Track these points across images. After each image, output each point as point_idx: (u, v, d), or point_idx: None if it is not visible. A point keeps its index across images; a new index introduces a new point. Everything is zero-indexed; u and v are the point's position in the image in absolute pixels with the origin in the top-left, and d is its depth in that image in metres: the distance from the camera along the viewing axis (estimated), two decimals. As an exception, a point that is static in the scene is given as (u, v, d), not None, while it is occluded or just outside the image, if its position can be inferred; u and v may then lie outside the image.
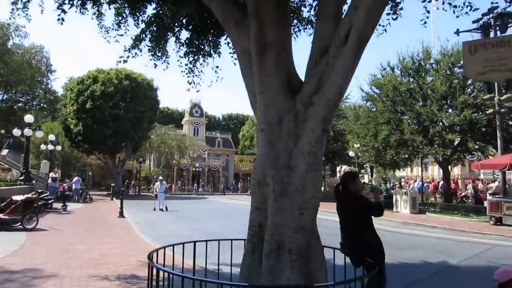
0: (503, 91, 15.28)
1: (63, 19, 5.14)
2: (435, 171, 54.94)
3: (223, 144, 56.17)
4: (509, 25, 14.84)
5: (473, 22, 16.31)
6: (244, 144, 63.50)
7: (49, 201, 15.00)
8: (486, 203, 14.02)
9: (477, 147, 17.66)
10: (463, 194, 22.64)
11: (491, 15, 15.43)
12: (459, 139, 16.32)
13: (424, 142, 17.17)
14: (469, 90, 17.06)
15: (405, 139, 17.79)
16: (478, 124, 16.25)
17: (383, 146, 19.14)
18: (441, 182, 26.98)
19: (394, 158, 19.59)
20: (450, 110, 17.38)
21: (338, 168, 73.02)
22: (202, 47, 5.93)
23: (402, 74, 19.51)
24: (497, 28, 15.17)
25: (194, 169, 48.06)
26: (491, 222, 13.50)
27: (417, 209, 18.21)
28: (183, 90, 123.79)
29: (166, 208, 17.63)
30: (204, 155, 50.44)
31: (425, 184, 28.08)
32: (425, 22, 5.27)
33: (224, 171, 53.84)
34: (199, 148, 48.47)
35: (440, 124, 16.76)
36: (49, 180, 21.34)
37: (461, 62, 17.87)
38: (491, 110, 15.17)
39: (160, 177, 20.51)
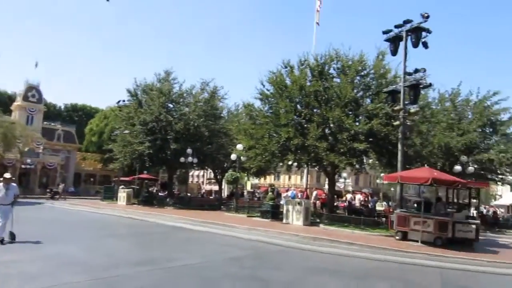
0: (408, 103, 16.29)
1: None
2: (298, 180, 59.73)
3: (64, 138, 49.46)
4: (422, 39, 15.86)
5: (383, 32, 17.13)
6: (91, 140, 56.70)
7: None
8: (393, 217, 14.22)
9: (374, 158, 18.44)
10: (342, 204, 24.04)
11: (404, 27, 16.33)
12: (362, 148, 16.56)
13: (328, 149, 16.96)
14: (376, 99, 17.58)
15: (308, 145, 17.33)
16: (381, 134, 16.80)
17: (281, 150, 18.39)
18: (315, 192, 28.38)
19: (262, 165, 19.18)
20: (358, 118, 17.63)
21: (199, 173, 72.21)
22: None
23: (311, 74, 19.21)
24: (409, 41, 16.19)
25: (23, 166, 39.79)
26: (397, 237, 13.83)
27: (309, 220, 17.99)
28: (15, 67, 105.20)
29: (13, 237, 9.48)
30: (38, 149, 42.49)
31: (299, 194, 29.11)
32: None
33: (63, 170, 46.73)
34: (33, 141, 40.46)
35: (347, 132, 16.79)
36: None
37: (367, 70, 18.83)
38: (398, 122, 15.86)
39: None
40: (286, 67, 20.25)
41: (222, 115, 31.97)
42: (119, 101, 31.67)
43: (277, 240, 13.08)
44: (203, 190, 58.54)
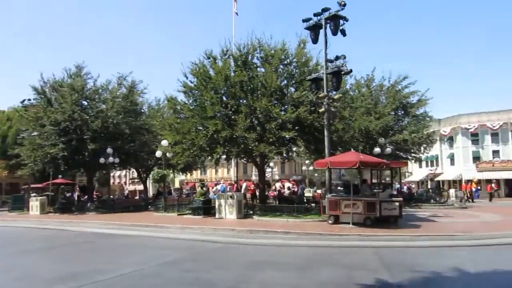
0: (332, 90, 16.82)
1: None
2: (225, 173, 59.72)
3: None
4: (340, 27, 16.37)
5: (303, 21, 17.40)
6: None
7: None
8: (325, 202, 14.60)
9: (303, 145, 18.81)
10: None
11: (322, 15, 16.72)
12: (290, 136, 16.78)
13: (257, 139, 16.91)
14: (301, 87, 17.86)
15: (236, 136, 17.11)
16: (307, 121, 17.15)
17: (209, 143, 17.95)
18: (244, 184, 28.49)
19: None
20: (284, 107, 17.76)
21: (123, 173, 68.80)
22: None
23: (234, 65, 18.91)
24: (328, 29, 16.63)
25: None
26: (330, 222, 14.26)
27: (243, 213, 17.89)
28: None
29: None
30: None
31: (228, 187, 29.04)
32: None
33: None
34: None
35: (275, 121, 16.85)
36: None
37: (289, 59, 19.02)
38: (323, 109, 16.28)
39: None
40: (209, 58, 19.73)
41: (142, 110, 30.51)
42: (23, 100, 28.50)
43: (213, 237, 12.73)
44: (127, 191, 55.81)
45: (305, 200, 22.53)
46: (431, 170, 51.69)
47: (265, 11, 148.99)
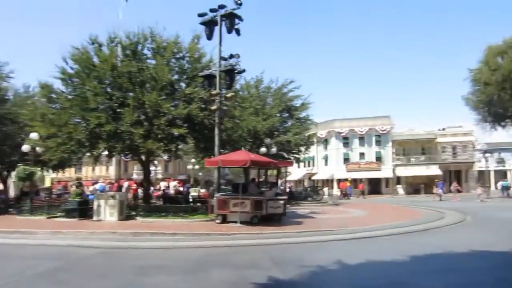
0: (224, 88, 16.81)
1: None
2: (103, 171, 55.65)
3: None
4: (235, 26, 16.43)
5: (199, 15, 17.10)
6: None
7: None
8: (213, 201, 14.51)
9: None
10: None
11: (218, 12, 16.60)
12: (181, 133, 16.30)
13: (144, 135, 16.02)
14: (193, 83, 17.44)
15: (122, 131, 15.96)
16: (198, 119, 16.87)
17: (90, 138, 16.40)
18: (126, 183, 27.07)
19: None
20: (174, 102, 17.12)
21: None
22: None
23: (122, 54, 17.58)
24: (224, 27, 16.57)
25: None
26: (218, 221, 14.24)
27: (125, 215, 16.80)
28: None
29: None
30: None
31: (107, 186, 27.25)
32: None
33: None
34: None
35: (165, 117, 16.15)
36: None
37: (182, 53, 18.41)
38: (215, 107, 16.16)
39: None
40: (93, 44, 18.06)
41: (7, 97, 26.54)
42: None
43: (92, 241, 11.53)
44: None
45: (191, 200, 22.20)
46: (307, 170, 55.88)
47: (158, 2, 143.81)
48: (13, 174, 33.43)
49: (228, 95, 16.52)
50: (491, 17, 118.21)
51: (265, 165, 15.03)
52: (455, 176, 48.61)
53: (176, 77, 18.61)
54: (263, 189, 15.92)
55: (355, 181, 48.58)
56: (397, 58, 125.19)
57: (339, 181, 48.90)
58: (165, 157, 22.81)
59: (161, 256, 9.39)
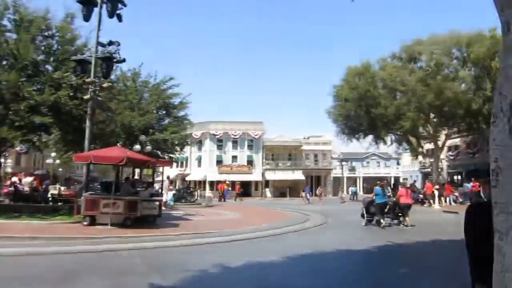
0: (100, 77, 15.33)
1: None
2: None
3: None
4: (117, 11, 15.17)
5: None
6: None
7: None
8: (80, 201, 13.12)
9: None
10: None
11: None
12: (46, 122, 14.34)
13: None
14: (63, 67, 15.49)
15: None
16: (66, 108, 15.11)
17: None
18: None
19: None
20: (37, 86, 14.96)
21: None
22: None
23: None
24: (104, 10, 15.17)
25: None
26: (85, 223, 12.94)
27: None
28: None
29: None
30: None
31: None
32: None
33: None
34: None
35: (26, 102, 13.96)
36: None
37: (52, 31, 16.20)
38: (88, 96, 14.64)
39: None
40: None
41: None
42: None
43: None
44: None
45: (50, 199, 19.69)
46: (180, 171, 55.19)
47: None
48: None
49: (104, 85, 15.19)
50: (360, 33, 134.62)
51: (143, 163, 14.21)
52: (316, 181, 53.70)
53: (42, 57, 16.43)
54: (138, 189, 15.01)
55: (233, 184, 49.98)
56: (272, 68, 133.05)
57: (216, 183, 49.25)
58: (20, 148, 19.83)
59: (17, 265, 8.00)
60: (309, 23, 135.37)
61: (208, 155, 53.73)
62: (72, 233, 11.31)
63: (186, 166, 55.58)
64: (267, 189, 53.12)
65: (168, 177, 29.23)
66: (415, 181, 44.30)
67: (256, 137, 54.40)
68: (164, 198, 21.88)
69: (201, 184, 50.96)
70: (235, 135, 54.15)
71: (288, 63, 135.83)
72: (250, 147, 54.79)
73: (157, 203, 14.77)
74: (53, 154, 35.80)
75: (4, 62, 14.75)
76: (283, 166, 54.76)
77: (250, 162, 53.95)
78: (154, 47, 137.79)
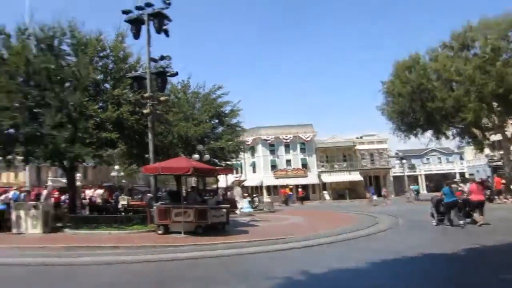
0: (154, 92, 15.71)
1: None
2: (11, 178, 49.51)
3: None
4: (164, 26, 15.54)
5: (123, 12, 16.11)
6: None
7: None
8: (154, 211, 13.40)
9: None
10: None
11: (145, 10, 15.70)
12: (112, 138, 14.88)
13: (70, 139, 14.33)
14: (121, 85, 16.03)
15: (42, 134, 14.10)
16: (128, 123, 15.59)
17: (6, 141, 14.32)
18: (45, 191, 24.29)
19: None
20: (99, 104, 15.59)
21: None
22: None
23: (36, 48, 15.64)
24: (152, 26, 15.64)
25: None
26: (160, 232, 13.21)
27: (50, 227, 14.92)
28: None
29: None
30: None
31: (21, 195, 24.40)
32: None
33: None
34: None
35: (93, 119, 14.61)
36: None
37: (107, 51, 16.80)
38: (147, 110, 15.03)
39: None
40: (1, 34, 15.83)
41: None
42: None
43: (17, 258, 9.80)
44: None
45: (122, 209, 20.52)
46: (236, 177, 55.70)
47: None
48: None
49: (162, 98, 15.55)
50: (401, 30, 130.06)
51: (207, 172, 14.30)
52: (374, 181, 51.96)
53: (100, 76, 17.10)
54: (206, 197, 15.12)
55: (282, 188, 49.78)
56: (317, 68, 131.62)
57: (273, 187, 49.20)
58: (91, 163, 20.78)
59: (106, 273, 8.14)
60: (355, 21, 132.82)
61: (262, 160, 53.78)
62: (149, 241, 11.57)
63: (241, 172, 55.98)
64: (324, 192, 52.13)
65: (239, 184, 29.55)
66: (488, 176, 41.28)
67: (307, 139, 53.74)
68: (239, 205, 22.15)
69: (257, 189, 51.05)
70: (286, 139, 53.85)
71: (328, 62, 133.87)
72: (302, 150, 54.22)
73: (224, 210, 14.78)
74: (116, 167, 37.44)
75: (68, 84, 15.48)
76: (339, 168, 53.56)
77: (304, 165, 53.35)
78: (197, 55, 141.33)
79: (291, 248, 10.91)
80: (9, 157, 15.67)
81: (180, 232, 12.76)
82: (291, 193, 42.59)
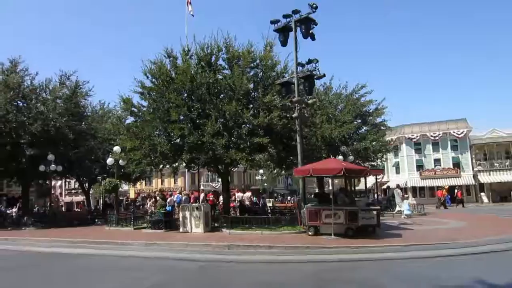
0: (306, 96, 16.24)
1: None
2: (171, 184, 57.20)
3: None
4: (311, 30, 15.90)
5: (272, 22, 16.85)
6: None
7: None
8: (303, 212, 13.85)
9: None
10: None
11: (292, 18, 16.21)
12: (264, 142, 15.90)
13: (226, 146, 15.83)
14: (271, 91, 17.02)
15: (203, 142, 15.88)
16: (277, 127, 16.41)
17: (173, 150, 16.55)
18: (202, 194, 27.18)
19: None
20: (253, 111, 16.83)
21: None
22: None
23: (197, 65, 17.70)
24: (298, 32, 16.14)
25: None
26: (310, 233, 13.54)
27: (210, 226, 16.67)
28: None
29: None
30: None
31: (184, 197, 27.57)
32: None
33: None
34: None
35: (246, 126, 15.90)
36: None
37: (257, 62, 18.09)
38: (296, 114, 15.61)
39: None
40: (169, 57, 18.39)
41: (86, 113, 28.05)
42: None
43: (186, 254, 11.39)
44: (62, 203, 51.47)
45: (268, 211, 21.73)
46: (378, 179, 53.45)
47: (216, 12, 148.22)
48: (92, 186, 35.17)
49: (310, 101, 15.99)
50: None
51: (359, 173, 14.13)
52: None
53: (252, 85, 18.40)
54: (357, 198, 14.97)
55: (430, 189, 45.89)
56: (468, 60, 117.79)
57: (441, 188, 45.87)
58: (242, 167, 22.61)
59: (271, 271, 8.83)
60: None
61: (406, 160, 50.50)
62: (302, 242, 11.99)
63: (384, 173, 53.48)
64: (482, 194, 46.17)
65: (398, 185, 28.62)
66: None
67: (460, 136, 48.29)
68: (399, 208, 21.53)
69: (402, 191, 48.08)
70: (434, 137, 49.43)
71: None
72: (454, 147, 49.01)
73: (374, 212, 14.37)
74: (261, 171, 39.66)
75: (223, 95, 17.08)
76: (500, 166, 46.74)
77: (456, 165, 48.14)
78: (334, 57, 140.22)
79: (457, 254, 10.05)
80: (176, 164, 18.00)
81: (330, 234, 12.90)
82: (448, 194, 38.98)
